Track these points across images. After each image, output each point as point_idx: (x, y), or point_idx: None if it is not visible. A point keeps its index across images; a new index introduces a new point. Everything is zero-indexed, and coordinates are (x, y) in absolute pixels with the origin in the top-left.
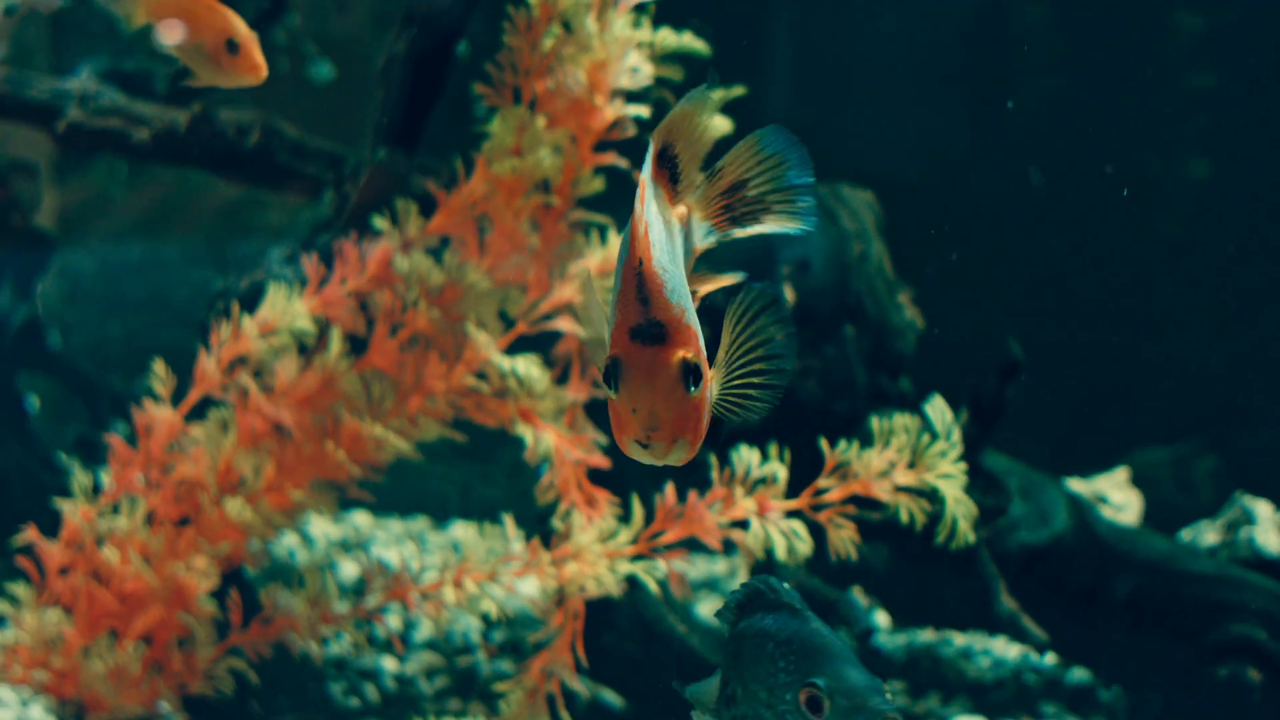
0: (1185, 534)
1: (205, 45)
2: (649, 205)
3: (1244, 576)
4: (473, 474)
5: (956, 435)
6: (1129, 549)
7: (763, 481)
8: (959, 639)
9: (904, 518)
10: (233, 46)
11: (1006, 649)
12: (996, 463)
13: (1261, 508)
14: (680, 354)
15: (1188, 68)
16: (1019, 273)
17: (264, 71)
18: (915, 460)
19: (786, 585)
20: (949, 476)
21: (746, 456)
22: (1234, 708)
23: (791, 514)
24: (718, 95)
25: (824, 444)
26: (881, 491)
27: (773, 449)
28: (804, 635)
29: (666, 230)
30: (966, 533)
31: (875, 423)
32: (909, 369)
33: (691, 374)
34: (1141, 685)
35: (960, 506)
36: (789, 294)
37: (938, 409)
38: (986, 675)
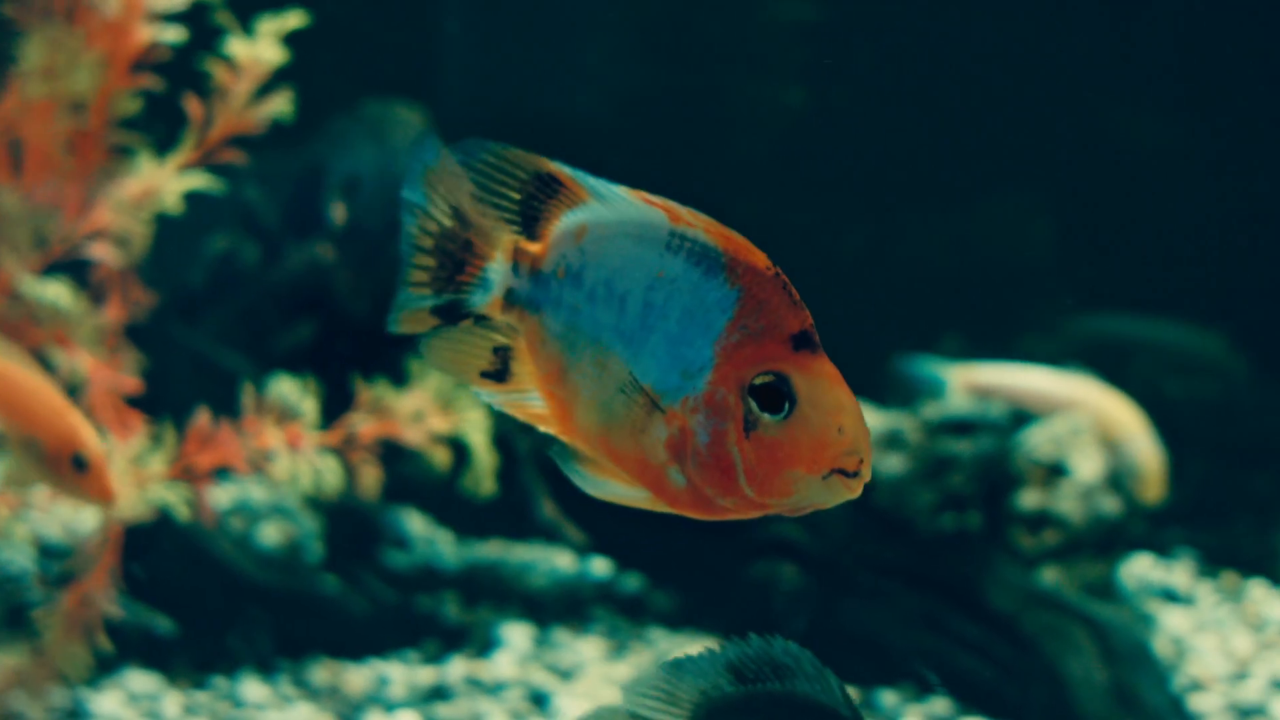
0: None
1: (44, 446)
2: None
3: None
4: None
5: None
6: None
7: (298, 415)
8: (520, 552)
9: (436, 465)
10: (80, 463)
11: (564, 560)
12: None
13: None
14: None
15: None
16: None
17: (116, 500)
18: (447, 405)
19: (817, 666)
20: (477, 425)
21: (281, 387)
22: (770, 601)
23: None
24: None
25: (358, 382)
26: (414, 435)
27: (308, 382)
28: None
29: None
30: (490, 485)
31: (414, 366)
32: None
33: None
34: (689, 586)
35: (487, 456)
36: (339, 213)
37: None
38: (543, 585)
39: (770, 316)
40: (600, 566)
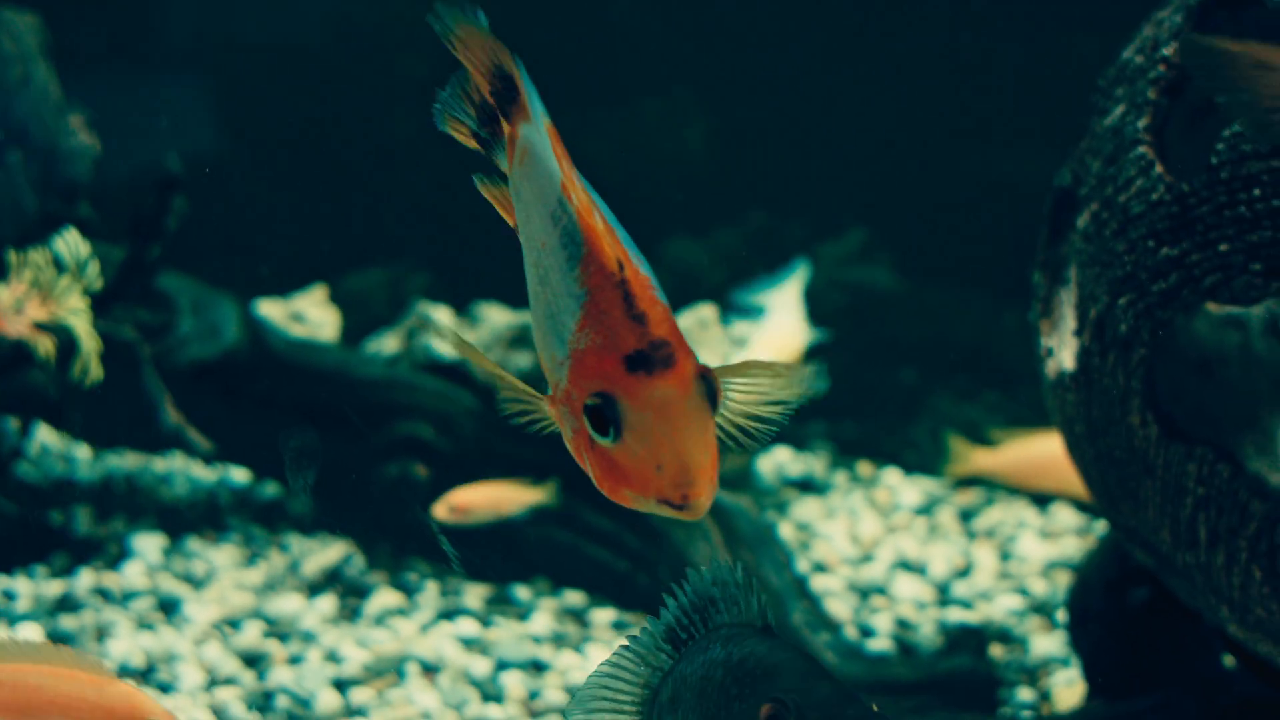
0: (371, 344)
1: None
2: (573, 168)
3: (414, 379)
4: None
5: (94, 269)
6: (303, 360)
7: None
8: (159, 464)
9: (40, 353)
10: None
11: (203, 471)
12: (170, 282)
13: (439, 313)
14: (693, 369)
15: None
16: (235, 98)
17: None
18: (47, 295)
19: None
20: (78, 312)
21: None
22: (403, 501)
23: None
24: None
25: None
26: (15, 326)
27: None
28: (760, 653)
29: (593, 191)
30: (96, 370)
31: (13, 256)
32: (87, 193)
33: (714, 393)
34: (325, 491)
35: (92, 342)
36: None
37: (69, 243)
38: (179, 495)
39: (607, 332)
40: (239, 476)
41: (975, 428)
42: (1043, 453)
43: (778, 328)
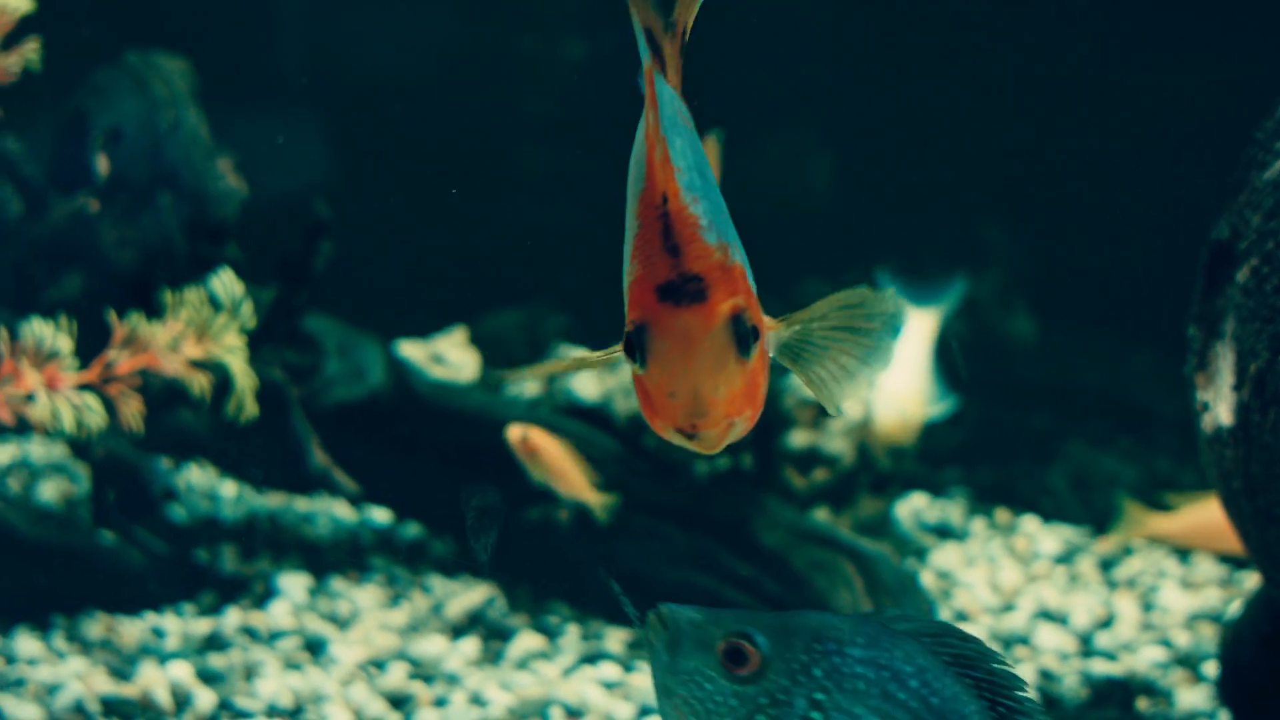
0: (513, 386)
1: None
2: (664, 105)
3: (555, 422)
4: None
5: (247, 309)
6: (446, 402)
7: (55, 354)
8: (302, 504)
9: (195, 391)
10: None
11: (345, 511)
12: (316, 324)
13: (575, 353)
14: (728, 307)
15: None
16: (367, 139)
17: None
18: (203, 333)
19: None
20: (234, 350)
21: (37, 329)
22: (545, 545)
23: (86, 386)
24: None
25: (112, 316)
26: (172, 364)
27: (63, 321)
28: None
29: (687, 132)
30: (252, 407)
31: (168, 295)
32: (234, 235)
33: (747, 334)
34: (467, 532)
35: (247, 380)
36: (103, 164)
37: (225, 283)
38: (323, 535)
39: (648, 262)
40: (381, 516)
41: (1117, 478)
42: (1220, 516)
43: (896, 392)
